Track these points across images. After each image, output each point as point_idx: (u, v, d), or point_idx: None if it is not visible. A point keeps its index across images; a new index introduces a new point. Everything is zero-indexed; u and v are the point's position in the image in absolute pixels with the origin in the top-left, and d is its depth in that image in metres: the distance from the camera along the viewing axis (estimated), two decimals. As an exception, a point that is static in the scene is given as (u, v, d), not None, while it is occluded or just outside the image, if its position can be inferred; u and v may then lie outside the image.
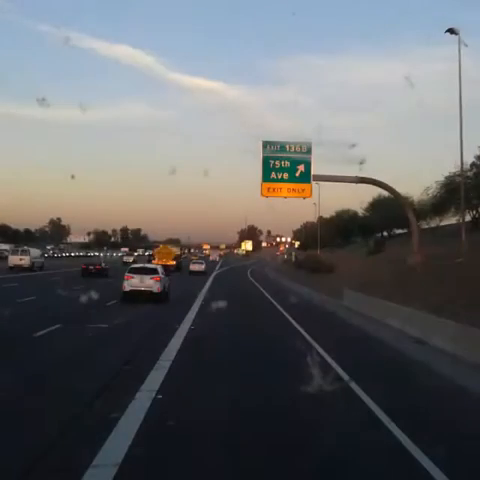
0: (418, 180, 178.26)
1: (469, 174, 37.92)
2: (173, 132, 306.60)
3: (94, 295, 21.39)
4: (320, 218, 75.31)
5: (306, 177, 27.27)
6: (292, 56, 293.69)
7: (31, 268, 47.10)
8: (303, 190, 27.49)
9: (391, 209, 46.54)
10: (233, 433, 7.03)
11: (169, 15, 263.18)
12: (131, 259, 78.98)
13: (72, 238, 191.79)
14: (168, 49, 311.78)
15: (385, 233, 63.57)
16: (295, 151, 27.38)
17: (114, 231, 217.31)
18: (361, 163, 31.62)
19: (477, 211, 41.14)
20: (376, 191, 52.98)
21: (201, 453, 6.23)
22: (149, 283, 24.20)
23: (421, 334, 14.95)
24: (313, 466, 6.01)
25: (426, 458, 6.14)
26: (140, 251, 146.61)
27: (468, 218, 38.28)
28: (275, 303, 26.88)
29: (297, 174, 27.22)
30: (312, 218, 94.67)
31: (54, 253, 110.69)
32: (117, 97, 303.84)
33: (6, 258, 52.29)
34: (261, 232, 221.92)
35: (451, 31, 26.50)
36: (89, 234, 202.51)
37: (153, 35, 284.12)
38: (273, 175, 27.27)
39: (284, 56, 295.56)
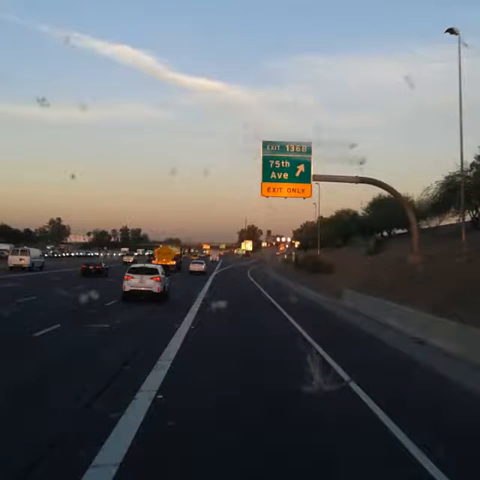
0: (418, 180, 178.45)
1: (469, 174, 37.85)
2: (173, 132, 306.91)
3: (94, 295, 21.35)
4: (320, 218, 75.39)
5: (306, 177, 27.27)
6: (292, 56, 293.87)
7: (31, 268, 47.16)
8: (303, 190, 27.49)
9: (391, 209, 46.49)
10: (233, 433, 7.02)
11: (169, 15, 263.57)
12: (131, 259, 79.05)
13: (72, 238, 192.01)
14: (168, 49, 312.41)
15: (385, 233, 63.53)
16: (295, 151, 27.38)
17: (114, 231, 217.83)
18: (361, 163, 31.59)
19: (477, 211, 41.07)
20: (376, 191, 53.14)
21: (201, 453, 6.23)
22: (149, 283, 24.21)
23: (421, 334, 14.93)
24: (312, 466, 6.01)
25: (426, 458, 6.14)
26: (140, 251, 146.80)
27: (468, 218, 38.22)
28: (275, 303, 26.86)
29: (297, 174, 27.22)
30: (312, 218, 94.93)
31: (54, 253, 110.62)
32: (117, 97, 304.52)
33: (6, 258, 52.26)
34: (261, 232, 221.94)
35: (451, 31, 26.48)
36: (89, 234, 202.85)
37: (153, 35, 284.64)
38: (273, 175, 27.28)
39: (284, 56, 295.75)
